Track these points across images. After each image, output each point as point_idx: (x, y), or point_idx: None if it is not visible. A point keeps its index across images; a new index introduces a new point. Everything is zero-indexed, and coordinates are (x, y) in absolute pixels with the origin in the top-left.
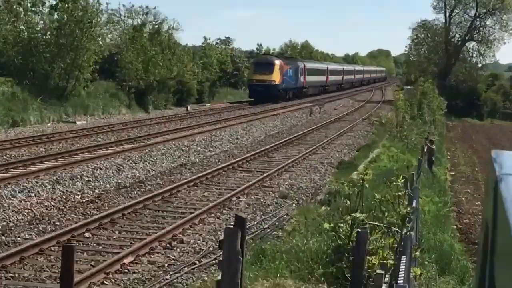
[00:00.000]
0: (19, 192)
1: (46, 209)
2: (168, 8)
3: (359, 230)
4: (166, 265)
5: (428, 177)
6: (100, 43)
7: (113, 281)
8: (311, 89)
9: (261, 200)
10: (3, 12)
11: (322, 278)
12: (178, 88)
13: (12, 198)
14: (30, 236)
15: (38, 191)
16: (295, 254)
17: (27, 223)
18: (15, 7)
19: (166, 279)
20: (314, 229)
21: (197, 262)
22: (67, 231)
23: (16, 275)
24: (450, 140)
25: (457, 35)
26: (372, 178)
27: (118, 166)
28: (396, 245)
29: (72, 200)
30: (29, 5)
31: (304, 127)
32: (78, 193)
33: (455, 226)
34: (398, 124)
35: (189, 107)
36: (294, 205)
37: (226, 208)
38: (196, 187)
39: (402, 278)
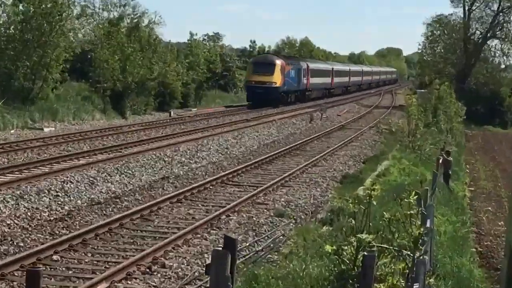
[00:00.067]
0: None
1: (9, 228)
2: None
3: (366, 253)
4: None
5: (444, 193)
6: (72, 38)
7: None
8: (314, 92)
9: (254, 218)
10: None
11: None
12: (160, 90)
13: None
14: None
15: None
16: (293, 281)
17: None
18: None
19: None
20: (314, 252)
21: None
22: (32, 254)
23: None
24: (469, 151)
25: (478, 32)
26: (380, 194)
27: (91, 179)
28: (407, 270)
29: (39, 217)
30: None
31: (304, 136)
32: (45, 210)
33: (474, 249)
34: (410, 133)
35: (172, 112)
36: (291, 224)
37: (214, 228)
38: (180, 204)
39: None
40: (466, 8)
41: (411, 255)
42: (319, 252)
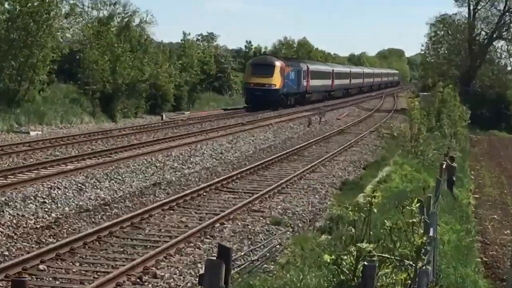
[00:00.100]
0: None
1: None
2: None
3: (366, 263)
4: None
5: (448, 201)
6: (60, 38)
7: None
8: (314, 95)
9: (250, 227)
10: None
11: None
12: (152, 93)
13: None
14: None
15: None
16: None
17: None
18: None
19: None
20: (312, 262)
21: None
22: (17, 263)
23: None
24: (474, 156)
25: (483, 33)
26: (381, 201)
27: (79, 185)
28: (409, 281)
29: (24, 225)
30: None
31: (302, 140)
32: (32, 217)
33: (479, 259)
34: (412, 138)
35: (164, 116)
36: (288, 233)
37: (208, 236)
38: (172, 211)
39: None
40: (471, 7)
41: (413, 265)
42: (317, 262)
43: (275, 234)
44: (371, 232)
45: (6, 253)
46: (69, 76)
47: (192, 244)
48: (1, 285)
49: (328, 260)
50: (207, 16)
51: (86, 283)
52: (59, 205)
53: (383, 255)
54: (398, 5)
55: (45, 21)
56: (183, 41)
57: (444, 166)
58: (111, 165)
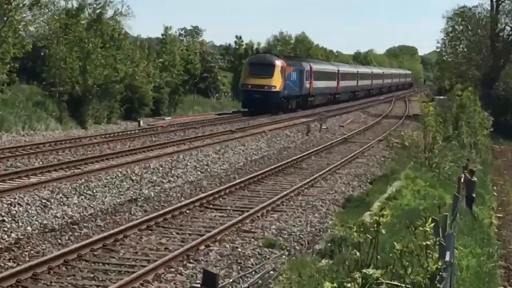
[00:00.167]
0: None
1: None
2: None
3: None
4: None
5: (467, 221)
6: (22, 32)
7: None
8: (318, 98)
9: (239, 249)
10: None
11: None
12: (127, 95)
13: None
14: None
15: None
16: None
17: None
18: None
19: None
20: None
21: None
22: None
23: None
24: (497, 170)
25: (508, 28)
26: (390, 221)
27: (43, 201)
28: None
29: None
30: None
31: (299, 150)
32: None
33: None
34: (426, 148)
35: (141, 121)
36: (284, 257)
37: (191, 261)
38: (150, 231)
39: None
40: None
41: None
42: None
43: (268, 258)
44: (378, 256)
45: None
46: (33, 75)
47: (173, 269)
48: None
49: None
50: (191, 8)
51: None
52: (20, 224)
53: (393, 282)
54: None
55: (6, 13)
56: (163, 36)
57: (462, 181)
58: (81, 178)
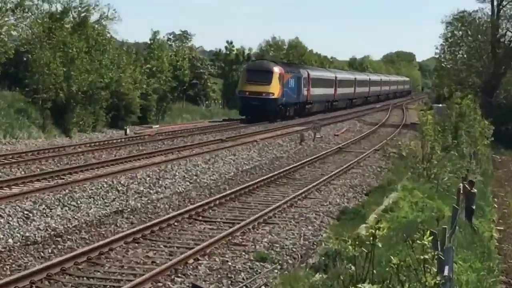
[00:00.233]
0: None
1: None
2: None
3: None
4: None
5: (467, 234)
6: (3, 37)
7: None
8: (315, 105)
9: (229, 263)
10: None
11: None
12: (113, 102)
13: None
14: None
15: None
16: None
17: None
18: None
19: None
20: None
21: None
22: None
23: None
24: (498, 181)
25: (509, 33)
26: (387, 234)
27: (25, 212)
28: None
29: None
30: None
31: (292, 160)
32: None
33: None
34: (424, 158)
35: (128, 130)
36: (276, 271)
37: (180, 275)
38: (136, 244)
39: None
40: (495, 3)
41: None
42: None
43: (259, 273)
44: (374, 271)
45: None
46: (15, 81)
47: (160, 284)
48: None
49: None
50: (180, 12)
51: None
52: (1, 236)
53: None
54: (409, 0)
55: None
56: (151, 41)
57: (462, 192)
58: (65, 188)
